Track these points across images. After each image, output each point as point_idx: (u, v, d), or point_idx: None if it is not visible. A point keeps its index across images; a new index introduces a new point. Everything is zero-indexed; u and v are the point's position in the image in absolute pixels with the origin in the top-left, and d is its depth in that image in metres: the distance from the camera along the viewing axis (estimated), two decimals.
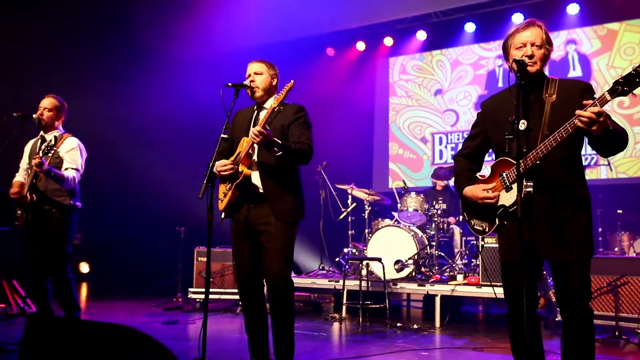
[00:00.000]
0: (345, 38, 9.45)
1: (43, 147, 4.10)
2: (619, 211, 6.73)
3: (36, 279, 4.14)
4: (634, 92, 2.16)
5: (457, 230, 6.66)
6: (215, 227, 3.07)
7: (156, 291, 7.68)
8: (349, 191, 6.97)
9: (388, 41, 9.40)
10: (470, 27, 8.74)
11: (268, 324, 3.37)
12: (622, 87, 2.15)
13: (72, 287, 4.18)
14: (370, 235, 6.42)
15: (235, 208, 3.35)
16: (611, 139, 2.32)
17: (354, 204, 6.97)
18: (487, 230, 2.63)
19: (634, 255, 6.25)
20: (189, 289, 6.56)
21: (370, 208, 6.76)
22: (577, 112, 2.22)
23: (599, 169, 7.70)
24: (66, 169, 4.17)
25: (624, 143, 2.39)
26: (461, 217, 6.54)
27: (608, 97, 2.19)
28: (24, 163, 4.40)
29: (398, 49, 9.49)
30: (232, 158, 3.32)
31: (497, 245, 5.28)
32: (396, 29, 9.23)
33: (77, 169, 4.22)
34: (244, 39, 8.62)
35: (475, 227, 2.70)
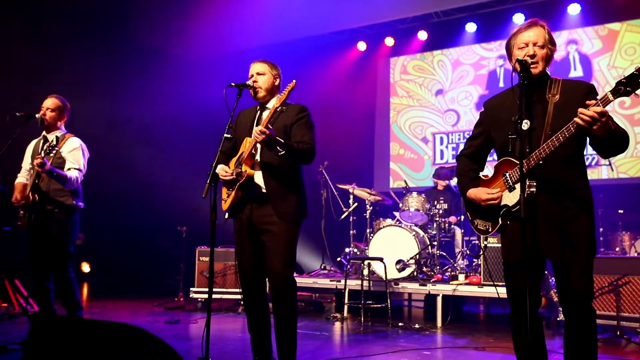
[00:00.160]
0: (347, 38, 9.46)
1: (45, 147, 4.11)
2: (620, 211, 6.74)
3: (38, 278, 4.15)
4: (636, 92, 2.17)
5: (458, 230, 6.67)
6: (216, 226, 3.08)
7: (158, 291, 7.69)
8: (351, 191, 6.97)
9: (389, 41, 9.41)
10: (471, 27, 8.74)
11: (270, 324, 3.38)
12: (624, 87, 2.16)
13: (75, 286, 4.18)
14: (371, 235, 6.42)
15: (239, 208, 3.36)
16: (613, 140, 2.33)
17: (356, 204, 6.98)
18: (490, 230, 2.63)
19: (635, 255, 6.26)
20: (191, 289, 6.57)
21: (371, 208, 6.77)
22: (580, 110, 2.23)
23: (600, 169, 7.71)
24: (69, 169, 4.18)
25: (625, 145, 2.39)
26: (462, 217, 6.55)
27: (611, 97, 2.20)
28: (26, 163, 4.41)
29: (399, 49, 9.50)
30: (235, 158, 3.34)
31: (500, 245, 5.30)
32: (397, 29, 9.24)
33: (79, 169, 4.23)
34: (246, 39, 8.64)
35: (478, 227, 2.70)
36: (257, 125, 3.34)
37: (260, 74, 3.40)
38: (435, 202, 6.52)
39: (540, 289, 2.63)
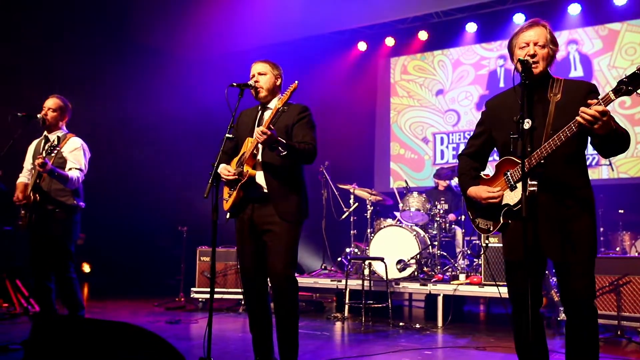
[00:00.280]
0: (347, 38, 9.46)
1: (46, 147, 4.12)
2: (620, 211, 6.74)
3: (39, 278, 4.15)
4: (638, 91, 2.17)
5: (459, 230, 6.67)
6: (217, 226, 3.08)
7: (159, 291, 7.69)
8: (351, 191, 6.98)
9: (389, 41, 9.41)
10: (471, 27, 8.75)
11: (272, 324, 3.39)
12: (626, 86, 2.16)
13: (76, 286, 4.18)
14: (372, 235, 6.43)
15: (240, 208, 3.36)
16: (614, 139, 2.33)
17: (356, 204, 6.99)
18: (491, 229, 2.64)
19: (636, 254, 6.26)
20: (192, 289, 6.57)
21: (372, 208, 6.77)
22: (581, 109, 2.24)
23: (600, 169, 7.72)
24: (70, 169, 4.18)
25: (626, 144, 2.40)
26: (463, 217, 6.55)
27: (612, 96, 2.20)
28: (27, 163, 4.41)
29: (399, 49, 9.50)
30: (237, 158, 3.34)
31: (501, 244, 5.30)
32: (397, 29, 9.23)
33: (80, 169, 4.23)
34: (247, 40, 8.64)
35: (479, 226, 2.71)
36: (258, 125, 3.35)
37: (262, 74, 3.40)
38: (436, 202, 6.53)
39: (541, 289, 2.63)
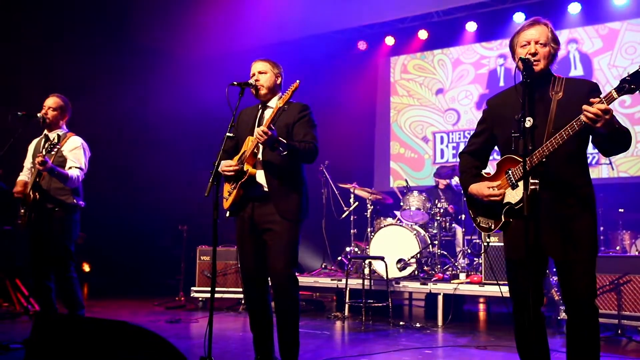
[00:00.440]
0: (347, 37, 9.45)
1: (47, 145, 4.11)
2: (620, 210, 6.73)
3: (39, 277, 4.14)
4: None
5: (459, 229, 6.67)
6: (218, 225, 3.08)
7: (159, 290, 7.69)
8: (352, 190, 6.97)
9: (389, 40, 9.40)
10: (471, 27, 8.73)
11: (273, 323, 3.39)
12: (629, 84, 2.16)
13: (76, 285, 4.18)
14: (372, 234, 6.43)
15: (240, 206, 3.36)
16: (616, 138, 2.33)
17: (356, 203, 6.98)
18: (493, 227, 2.63)
19: (636, 253, 6.26)
20: (192, 288, 6.57)
21: (372, 207, 6.76)
22: (584, 107, 2.24)
23: (600, 168, 7.72)
24: (70, 167, 4.18)
25: (628, 143, 2.40)
26: (463, 216, 6.54)
27: (615, 94, 2.20)
28: (27, 162, 4.41)
29: (399, 48, 9.49)
30: (237, 157, 3.33)
31: (501, 244, 5.30)
32: (397, 28, 9.22)
33: (80, 168, 4.23)
34: (247, 39, 8.63)
35: (480, 224, 2.70)
36: (259, 124, 3.35)
37: (262, 73, 3.40)
38: (436, 201, 6.53)
39: (542, 287, 2.63)
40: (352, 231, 6.96)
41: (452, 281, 5.77)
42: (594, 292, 2.44)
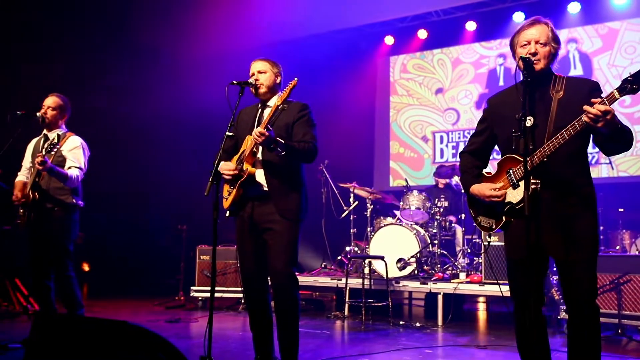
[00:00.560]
0: (346, 37, 9.45)
1: (46, 145, 4.11)
2: (620, 209, 6.73)
3: (38, 277, 4.14)
4: None
5: (459, 229, 6.66)
6: (217, 225, 3.07)
7: (158, 290, 7.68)
8: (351, 189, 6.97)
9: (389, 40, 9.40)
10: (471, 26, 8.73)
11: (272, 322, 3.38)
12: (631, 84, 2.15)
13: (75, 285, 4.17)
14: (372, 233, 6.42)
15: (240, 206, 3.35)
16: (617, 138, 2.33)
17: (356, 202, 6.98)
18: (494, 227, 2.63)
19: (636, 253, 6.26)
20: (191, 287, 6.57)
21: (372, 206, 6.76)
22: (585, 108, 2.23)
23: (600, 168, 7.72)
24: (69, 167, 4.17)
25: (629, 143, 2.39)
26: (463, 216, 6.54)
27: (617, 94, 2.20)
28: (26, 162, 4.40)
29: (399, 47, 9.49)
30: (237, 156, 3.33)
31: (501, 243, 5.30)
32: (397, 27, 9.22)
33: (80, 168, 4.22)
34: (247, 39, 8.62)
35: (481, 224, 2.70)
36: (258, 123, 3.35)
37: (262, 72, 3.40)
38: (436, 201, 6.52)
39: (543, 287, 2.63)
40: (351, 230, 6.96)
41: (452, 281, 5.77)
42: (594, 291, 2.44)
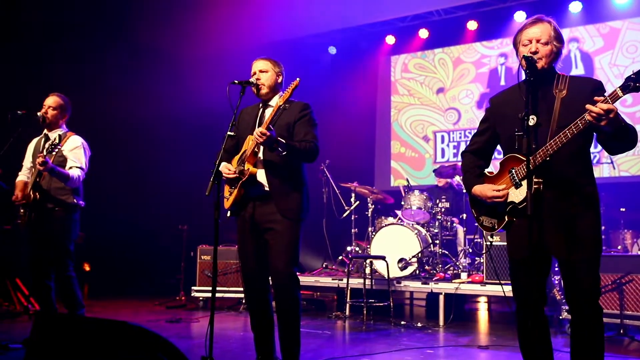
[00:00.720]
0: (348, 36, 9.44)
1: (47, 145, 4.10)
2: (621, 209, 6.72)
3: (38, 277, 4.13)
4: None
5: (460, 229, 6.65)
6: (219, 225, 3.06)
7: (159, 290, 7.68)
8: (353, 189, 6.96)
9: (390, 39, 9.39)
10: (472, 25, 8.71)
11: (274, 322, 3.37)
12: (634, 83, 2.14)
13: (75, 285, 4.17)
14: (373, 233, 6.41)
15: (241, 206, 3.34)
16: (621, 137, 2.31)
17: (357, 202, 6.97)
18: (496, 227, 2.62)
19: (638, 253, 6.24)
20: (192, 288, 6.56)
21: (373, 206, 6.75)
22: (588, 106, 2.22)
23: (601, 167, 7.71)
24: (70, 167, 4.16)
25: (634, 142, 2.38)
26: (464, 215, 6.53)
27: (620, 93, 2.19)
28: (27, 162, 4.39)
29: (400, 47, 9.48)
30: (238, 156, 3.32)
31: (503, 243, 5.28)
32: (398, 27, 9.21)
33: (81, 168, 4.21)
34: (248, 38, 8.61)
35: (484, 223, 2.68)
36: (259, 123, 3.34)
37: (263, 72, 3.39)
38: (437, 200, 6.51)
39: (545, 287, 2.61)
40: (353, 230, 6.95)
41: (453, 281, 5.76)
42: (597, 291, 2.43)
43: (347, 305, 5.93)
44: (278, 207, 3.23)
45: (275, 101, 3.34)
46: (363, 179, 7.84)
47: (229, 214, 3.42)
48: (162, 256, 8.37)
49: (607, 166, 7.55)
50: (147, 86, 8.36)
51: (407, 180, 7.09)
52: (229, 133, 3.22)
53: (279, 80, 3.45)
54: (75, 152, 4.22)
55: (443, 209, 6.45)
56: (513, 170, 2.53)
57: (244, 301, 6.20)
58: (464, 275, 5.83)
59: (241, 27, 8.49)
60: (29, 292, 5.72)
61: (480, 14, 8.59)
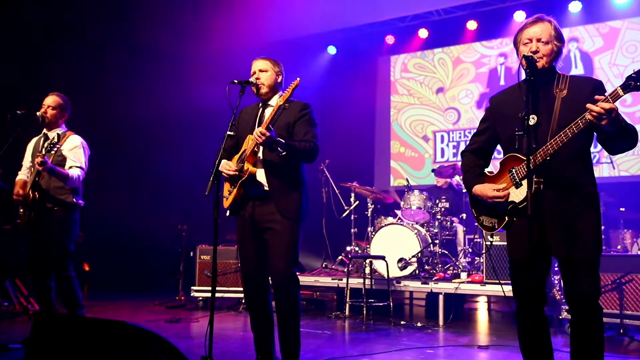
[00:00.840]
0: (347, 36, 9.44)
1: (46, 144, 4.09)
2: (621, 209, 6.71)
3: (38, 277, 4.12)
4: None
5: (460, 228, 6.65)
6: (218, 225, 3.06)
7: (159, 290, 7.67)
8: (353, 189, 6.96)
9: (389, 39, 9.38)
10: (472, 25, 8.71)
11: (273, 322, 3.37)
12: (635, 82, 2.14)
13: (75, 285, 4.16)
14: (373, 233, 6.41)
15: (240, 206, 3.34)
16: (622, 136, 2.31)
17: (357, 202, 6.97)
18: (496, 226, 2.61)
19: (638, 252, 6.24)
20: (192, 287, 6.55)
21: (373, 206, 6.75)
22: (588, 106, 2.22)
23: (601, 167, 7.71)
24: (70, 167, 4.16)
25: (634, 141, 2.38)
26: (464, 215, 6.53)
27: (621, 92, 2.18)
28: (26, 161, 4.39)
29: (400, 47, 9.47)
30: (238, 156, 3.32)
31: (503, 243, 5.28)
32: (398, 27, 9.21)
33: (81, 167, 4.20)
34: (248, 38, 8.60)
35: (484, 223, 2.68)
36: (259, 123, 3.34)
37: (263, 71, 3.38)
38: (437, 200, 6.51)
39: (545, 287, 2.61)
40: (352, 230, 6.95)
41: (453, 280, 5.76)
42: (597, 291, 2.42)
43: (347, 305, 5.93)
44: (278, 207, 3.23)
45: (275, 101, 3.34)
46: (363, 179, 7.84)
47: (228, 214, 3.42)
48: (162, 256, 8.37)
49: (607, 166, 7.56)
50: (147, 86, 8.37)
51: (407, 180, 7.09)
52: (228, 133, 3.22)
53: (279, 80, 3.45)
54: (74, 152, 4.21)
55: (443, 209, 6.45)
56: (513, 170, 2.53)
57: (243, 301, 6.19)
58: (463, 275, 5.82)
59: (241, 27, 8.49)
60: (28, 292, 5.72)
61: (480, 14, 8.59)
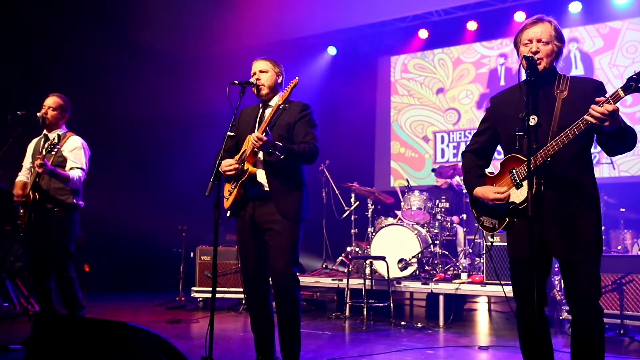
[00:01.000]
0: (347, 37, 9.44)
1: (46, 145, 4.09)
2: (621, 209, 6.71)
3: (38, 277, 4.12)
4: None
5: (460, 229, 6.64)
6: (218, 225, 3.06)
7: (159, 290, 7.67)
8: (353, 189, 6.95)
9: (390, 39, 9.38)
10: (472, 26, 8.71)
11: (274, 323, 3.37)
12: (636, 83, 2.13)
13: (76, 286, 4.16)
14: (373, 233, 6.41)
15: (241, 206, 3.34)
16: (621, 138, 2.31)
17: (357, 203, 6.96)
18: (497, 227, 2.61)
19: (638, 253, 6.24)
20: (192, 288, 6.55)
21: (373, 206, 6.74)
22: (593, 107, 2.21)
23: (601, 168, 7.71)
24: (71, 168, 4.16)
25: (633, 143, 2.37)
26: (465, 216, 6.52)
27: (622, 93, 2.18)
28: (26, 162, 4.38)
29: (400, 47, 9.47)
30: (238, 156, 3.32)
31: (504, 243, 5.27)
32: (398, 27, 9.20)
33: (82, 168, 4.21)
34: (247, 38, 8.61)
35: (484, 224, 2.68)
36: (259, 123, 3.33)
37: (263, 72, 3.38)
38: (437, 201, 6.50)
39: (546, 287, 2.61)
40: (353, 231, 6.95)
41: (453, 281, 5.75)
42: (598, 292, 2.42)
43: (347, 305, 5.93)
44: (278, 207, 3.23)
45: (275, 101, 3.34)
46: (363, 180, 7.83)
47: (228, 214, 3.41)
48: (162, 256, 8.37)
49: (607, 166, 7.55)
50: (147, 86, 8.36)
51: (407, 181, 7.09)
52: (228, 133, 3.22)
53: (279, 81, 3.45)
54: (75, 153, 4.21)
55: (443, 209, 6.45)
56: (514, 171, 2.53)
57: (243, 302, 6.19)
58: (464, 276, 5.82)
59: (241, 28, 8.49)
60: (28, 293, 5.71)
61: (480, 14, 8.59)
